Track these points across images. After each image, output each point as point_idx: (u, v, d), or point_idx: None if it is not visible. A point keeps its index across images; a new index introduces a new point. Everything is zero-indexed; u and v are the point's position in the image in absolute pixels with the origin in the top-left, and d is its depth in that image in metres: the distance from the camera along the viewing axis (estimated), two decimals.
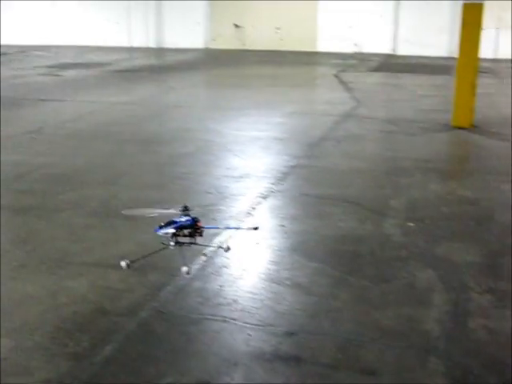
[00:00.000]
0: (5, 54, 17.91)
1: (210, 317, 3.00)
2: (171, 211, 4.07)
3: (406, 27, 17.41)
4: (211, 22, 19.44)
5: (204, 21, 19.46)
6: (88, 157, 6.06)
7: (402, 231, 4.10)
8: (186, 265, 3.70)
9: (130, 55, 17.38)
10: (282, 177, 5.34)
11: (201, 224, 4.28)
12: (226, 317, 2.99)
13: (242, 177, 5.30)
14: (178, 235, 4.15)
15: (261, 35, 18.94)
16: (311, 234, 4.03)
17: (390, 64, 15.32)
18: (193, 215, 3.86)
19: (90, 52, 18.20)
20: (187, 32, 19.56)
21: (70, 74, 13.04)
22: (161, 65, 15.04)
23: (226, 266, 3.56)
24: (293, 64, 15.32)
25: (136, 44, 20.05)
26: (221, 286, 3.30)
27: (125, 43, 20.15)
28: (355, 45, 17.94)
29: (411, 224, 4.22)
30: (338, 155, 6.10)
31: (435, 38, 16.92)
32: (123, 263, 3.81)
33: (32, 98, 9.76)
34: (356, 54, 17.52)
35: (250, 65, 15.14)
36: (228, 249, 4.12)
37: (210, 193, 4.88)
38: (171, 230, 4.24)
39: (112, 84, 11.53)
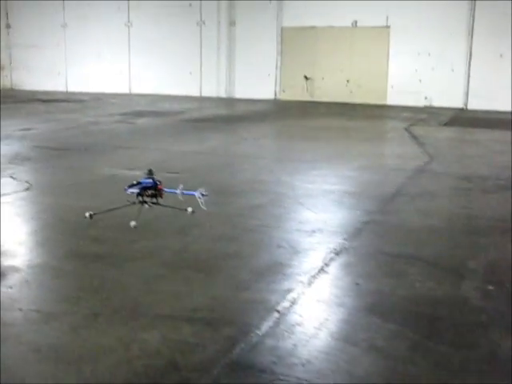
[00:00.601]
0: (82, 101, 18.54)
1: (283, 377, 2.91)
2: (137, 173, 5.38)
3: (477, 81, 17.23)
4: (281, 73, 19.71)
5: (274, 72, 19.74)
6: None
7: (482, 294, 3.95)
8: (136, 220, 4.96)
9: (201, 105, 17.72)
10: (355, 232, 5.26)
11: (161, 187, 5.43)
12: (299, 378, 2.90)
13: (314, 231, 5.23)
14: (143, 195, 5.33)
15: (330, 87, 19.08)
16: (387, 294, 3.92)
17: (462, 118, 15.14)
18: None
19: (161, 101, 18.67)
20: (257, 83, 19.88)
21: (143, 121, 13.36)
22: (231, 115, 15.26)
23: (299, 324, 3.47)
24: (362, 117, 15.30)
25: (207, 94, 20.49)
26: (294, 345, 3.21)
27: (196, 93, 20.64)
28: (426, 98, 17.83)
29: (491, 287, 4.06)
30: (412, 212, 5.98)
31: (507, 92, 16.67)
32: (87, 214, 5.13)
33: (107, 144, 10.01)
34: (426, 107, 17.40)
35: (319, 117, 15.19)
36: (193, 212, 5.27)
37: (281, 247, 4.83)
38: (136, 190, 5.40)
39: (184, 133, 11.72)
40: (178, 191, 5.54)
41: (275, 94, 19.82)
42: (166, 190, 5.79)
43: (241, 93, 20.14)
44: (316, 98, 19.08)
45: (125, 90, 21.80)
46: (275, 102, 19.02)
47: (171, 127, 12.63)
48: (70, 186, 6.96)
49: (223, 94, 20.28)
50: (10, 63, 24.15)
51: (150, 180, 5.61)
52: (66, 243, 4.87)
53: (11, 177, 7.38)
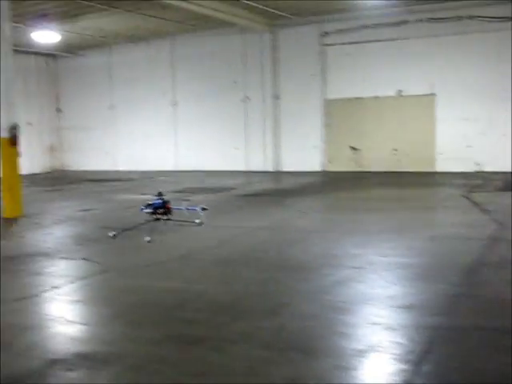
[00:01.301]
0: (132, 179, 18.82)
1: None
2: (150, 196, 6.46)
3: None
4: (328, 145, 19.83)
5: (320, 144, 19.87)
6: (242, 284, 6.07)
7: None
8: (149, 236, 6.96)
9: (251, 179, 17.83)
10: (450, 307, 5.12)
11: (169, 205, 7.42)
12: None
13: (406, 307, 5.10)
14: (155, 213, 7.31)
15: (377, 157, 19.09)
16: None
17: None
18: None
19: (210, 177, 18.87)
20: (304, 155, 20.05)
21: (199, 198, 13.43)
22: (284, 188, 15.29)
23: None
24: (415, 185, 15.23)
25: (253, 168, 20.65)
26: None
27: (243, 167, 20.83)
28: (476, 164, 17.70)
29: None
30: (502, 282, 5.81)
31: None
32: (110, 234, 7.34)
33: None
34: (478, 173, 17.25)
35: (372, 187, 15.16)
36: (201, 223, 7.27)
37: (377, 324, 4.71)
38: (150, 210, 7.50)
39: (242, 208, 11.76)
40: (183, 208, 7.68)
41: (322, 166, 19.89)
42: (173, 207, 7.70)
43: (288, 166, 20.27)
44: (364, 168, 19.09)
45: (172, 167, 22.10)
46: (323, 174, 19.04)
47: (228, 203, 12.69)
48: (144, 267, 6.95)
49: (270, 168, 20.41)
50: (61, 145, 24.79)
51: (160, 200, 7.42)
52: (159, 326, 4.82)
53: (84, 259, 7.43)
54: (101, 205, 12.96)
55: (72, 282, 6.37)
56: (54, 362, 4.12)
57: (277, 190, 14.97)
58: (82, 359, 4.15)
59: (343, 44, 19.35)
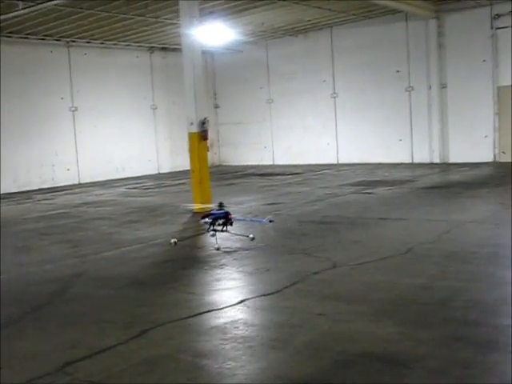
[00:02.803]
0: (297, 173, 18.73)
1: None
2: (211, 206, 6.84)
3: None
4: (500, 134, 18.78)
5: (492, 133, 18.87)
6: (495, 283, 5.65)
7: None
8: (217, 244, 7.04)
9: (422, 171, 17.18)
10: None
11: (231, 216, 7.26)
12: None
13: None
14: (214, 224, 7.17)
15: None
16: None
17: None
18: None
19: (377, 169, 18.42)
20: (473, 146, 19.13)
21: (380, 191, 13.07)
22: (465, 180, 14.45)
23: None
24: None
25: (418, 160, 20.03)
26: None
27: (407, 159, 20.23)
28: None
29: None
30: None
31: None
32: (172, 241, 7.27)
33: (367, 216, 9.79)
34: None
35: None
36: (253, 238, 7.17)
37: None
38: (209, 220, 7.23)
39: (434, 201, 11.25)
40: (247, 219, 7.86)
41: (494, 157, 18.88)
42: (236, 218, 7.58)
43: (455, 157, 19.42)
44: None
45: (332, 161, 21.86)
46: (498, 165, 18.00)
47: (414, 196, 12.20)
48: (373, 262, 6.69)
49: (437, 160, 19.62)
50: (218, 141, 25.20)
51: (222, 211, 7.28)
52: (434, 326, 4.51)
53: (305, 253, 7.28)
54: (283, 198, 12.87)
55: (306, 277, 6.20)
56: (345, 364, 3.93)
57: (459, 182, 14.20)
58: (372, 360, 3.94)
59: None
